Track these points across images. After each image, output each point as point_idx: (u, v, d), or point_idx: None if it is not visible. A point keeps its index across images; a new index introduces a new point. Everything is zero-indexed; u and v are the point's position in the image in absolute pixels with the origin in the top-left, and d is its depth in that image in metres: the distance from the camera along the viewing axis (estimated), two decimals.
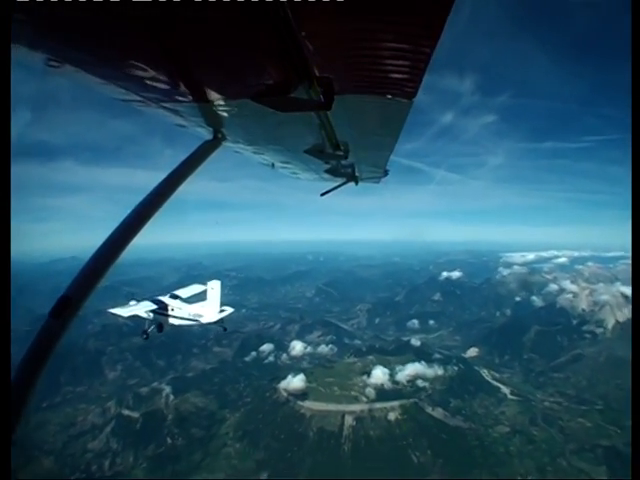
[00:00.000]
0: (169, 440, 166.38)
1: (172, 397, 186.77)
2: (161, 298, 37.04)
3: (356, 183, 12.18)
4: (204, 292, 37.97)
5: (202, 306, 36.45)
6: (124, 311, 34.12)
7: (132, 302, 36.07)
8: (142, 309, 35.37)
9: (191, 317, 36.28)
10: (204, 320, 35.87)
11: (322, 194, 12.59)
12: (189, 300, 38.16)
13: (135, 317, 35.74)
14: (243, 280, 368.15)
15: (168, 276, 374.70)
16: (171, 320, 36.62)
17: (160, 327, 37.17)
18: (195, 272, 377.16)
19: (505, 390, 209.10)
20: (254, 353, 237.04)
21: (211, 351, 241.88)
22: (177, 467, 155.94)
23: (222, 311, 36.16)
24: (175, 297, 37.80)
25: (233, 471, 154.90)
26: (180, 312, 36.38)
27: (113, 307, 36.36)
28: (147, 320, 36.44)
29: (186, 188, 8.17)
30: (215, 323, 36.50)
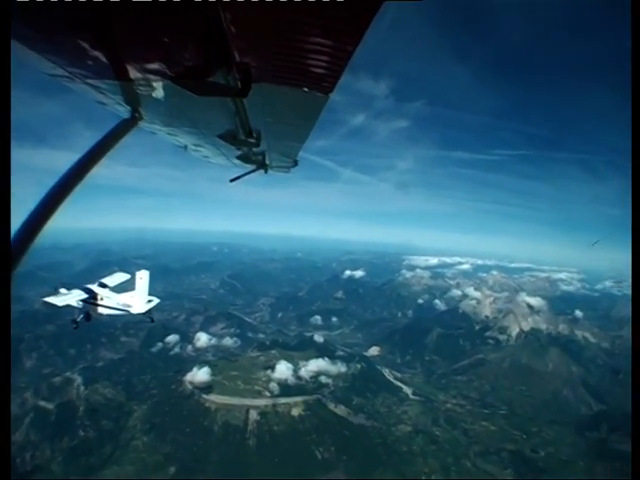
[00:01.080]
0: (81, 432, 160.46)
1: (83, 388, 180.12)
2: (90, 287, 35.06)
3: (266, 171, 12.09)
4: (128, 281, 37.08)
5: (131, 296, 34.91)
6: (58, 300, 31.99)
7: (62, 290, 33.86)
8: (75, 298, 33.29)
9: (120, 307, 34.61)
10: (133, 311, 34.50)
11: (231, 180, 12.48)
12: (115, 289, 36.14)
13: (52, 305, 32.91)
14: (150, 268, 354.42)
15: (80, 262, 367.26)
16: (100, 309, 34.71)
17: (88, 316, 34.68)
18: (104, 258, 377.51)
19: (407, 390, 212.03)
20: (160, 344, 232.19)
21: (119, 340, 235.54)
22: (90, 460, 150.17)
23: (149, 301, 35.09)
24: (104, 286, 35.80)
25: (142, 464, 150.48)
26: (109, 301, 34.59)
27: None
28: (77, 309, 34.13)
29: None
30: (143, 314, 35.29)
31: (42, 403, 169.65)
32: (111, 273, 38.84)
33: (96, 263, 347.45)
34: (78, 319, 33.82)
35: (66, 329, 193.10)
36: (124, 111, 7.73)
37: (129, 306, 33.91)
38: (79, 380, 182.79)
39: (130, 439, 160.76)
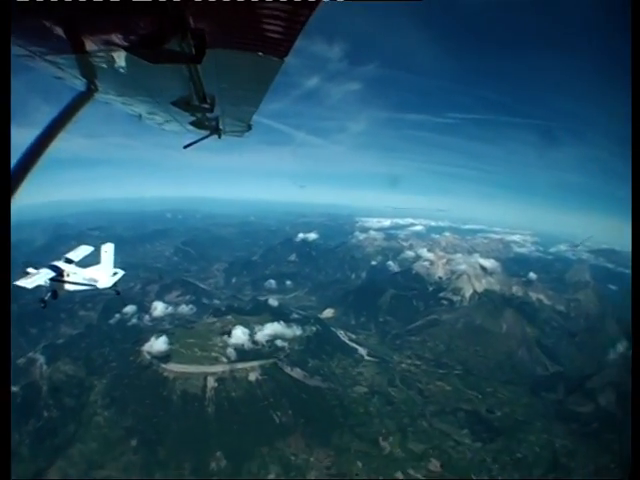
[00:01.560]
0: (45, 413, 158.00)
1: (45, 367, 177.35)
2: (57, 264, 33.47)
3: (219, 136, 12.13)
4: (92, 254, 35.79)
5: (96, 270, 33.88)
6: (28, 282, 30.23)
7: (30, 270, 32.05)
8: (44, 278, 31.73)
9: (86, 282, 33.49)
10: (100, 285, 33.28)
11: (185, 146, 12.58)
12: (81, 263, 34.68)
13: (23, 288, 30.45)
14: (105, 239, 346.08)
15: (39, 238, 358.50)
16: (67, 286, 33.21)
17: (55, 294, 33.14)
18: (62, 232, 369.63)
19: (362, 351, 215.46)
20: (117, 315, 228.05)
21: (77, 315, 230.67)
22: (55, 441, 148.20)
23: (115, 274, 34.07)
24: (70, 261, 34.38)
25: (104, 440, 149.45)
26: (75, 277, 33.39)
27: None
28: (44, 287, 32.30)
29: (53, 145, 8.03)
30: (110, 288, 34.03)
31: None
32: (70, 247, 37.43)
33: (54, 238, 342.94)
34: (46, 298, 32.25)
35: (27, 309, 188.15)
36: (80, 84, 7.90)
37: (95, 280, 32.80)
38: (42, 359, 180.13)
39: (92, 415, 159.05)
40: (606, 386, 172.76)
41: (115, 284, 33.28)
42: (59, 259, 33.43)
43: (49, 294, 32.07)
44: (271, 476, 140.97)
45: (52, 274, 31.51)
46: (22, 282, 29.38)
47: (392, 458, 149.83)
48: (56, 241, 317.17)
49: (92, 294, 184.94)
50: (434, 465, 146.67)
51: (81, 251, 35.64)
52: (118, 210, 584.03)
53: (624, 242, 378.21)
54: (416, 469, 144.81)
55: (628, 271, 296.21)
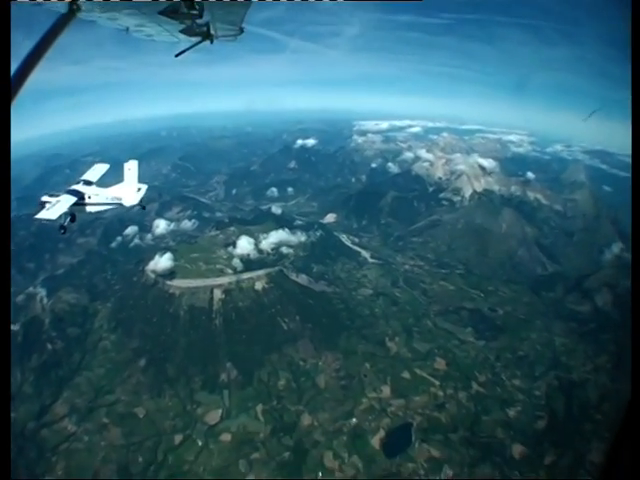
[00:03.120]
0: (49, 346, 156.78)
1: (46, 300, 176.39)
2: (76, 187, 32.42)
3: (211, 41, 11.66)
4: (109, 171, 35.09)
5: (120, 188, 33.05)
6: (50, 213, 28.66)
7: (46, 198, 30.48)
8: (67, 205, 30.23)
9: (110, 201, 32.83)
10: (126, 203, 32.83)
11: (177, 55, 12.18)
12: (100, 183, 33.67)
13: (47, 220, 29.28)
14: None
15: (30, 173, 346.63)
16: (89, 208, 32.52)
17: (73, 218, 32.28)
18: (55, 163, 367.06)
19: (365, 254, 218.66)
20: (119, 238, 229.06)
21: (75, 243, 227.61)
22: (60, 372, 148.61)
23: (139, 190, 33.35)
24: (89, 183, 33.51)
25: (111, 364, 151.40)
26: (98, 198, 32.74)
27: None
28: (63, 214, 30.51)
29: (42, 76, 8.04)
30: (137, 204, 33.41)
31: None
32: (64, 176, 37.43)
33: (47, 170, 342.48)
34: (65, 224, 30.67)
35: (22, 245, 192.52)
36: (62, 6, 7.74)
37: (119, 199, 32.61)
38: (42, 293, 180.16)
39: (97, 341, 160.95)
40: (602, 287, 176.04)
41: (141, 199, 33.14)
42: (55, 189, 31.88)
43: (67, 219, 31.21)
44: (281, 382, 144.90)
45: (73, 199, 30.86)
46: (43, 214, 28.18)
47: (399, 358, 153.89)
48: (50, 172, 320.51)
49: (89, 220, 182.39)
50: (439, 364, 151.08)
51: (98, 170, 35.17)
52: (111, 134, 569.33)
53: (617, 144, 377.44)
54: (422, 368, 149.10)
55: (622, 173, 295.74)
